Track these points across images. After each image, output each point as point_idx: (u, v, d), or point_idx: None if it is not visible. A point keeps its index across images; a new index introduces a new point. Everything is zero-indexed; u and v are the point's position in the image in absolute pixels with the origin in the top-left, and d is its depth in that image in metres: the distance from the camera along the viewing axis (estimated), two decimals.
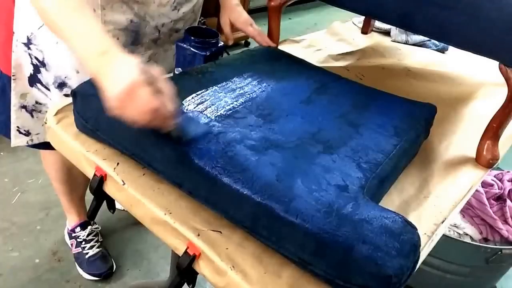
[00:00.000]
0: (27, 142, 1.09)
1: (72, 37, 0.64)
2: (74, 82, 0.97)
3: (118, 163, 0.70)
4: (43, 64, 0.97)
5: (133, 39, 0.96)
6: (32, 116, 1.05)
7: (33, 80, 1.00)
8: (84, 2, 0.66)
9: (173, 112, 0.59)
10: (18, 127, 1.06)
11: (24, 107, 1.04)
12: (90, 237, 1.45)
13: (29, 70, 0.99)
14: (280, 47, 1.15)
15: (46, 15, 0.66)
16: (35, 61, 0.97)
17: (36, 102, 1.04)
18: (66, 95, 0.99)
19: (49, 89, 1.00)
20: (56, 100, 1.00)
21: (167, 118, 0.59)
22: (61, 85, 0.98)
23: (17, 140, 1.08)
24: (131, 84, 0.56)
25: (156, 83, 0.58)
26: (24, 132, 1.07)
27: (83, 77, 0.96)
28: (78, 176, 1.31)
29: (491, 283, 1.55)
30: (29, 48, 0.96)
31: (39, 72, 0.98)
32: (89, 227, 1.46)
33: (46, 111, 1.03)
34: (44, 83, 1.00)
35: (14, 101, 1.02)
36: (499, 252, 1.32)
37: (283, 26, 1.13)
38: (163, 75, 0.60)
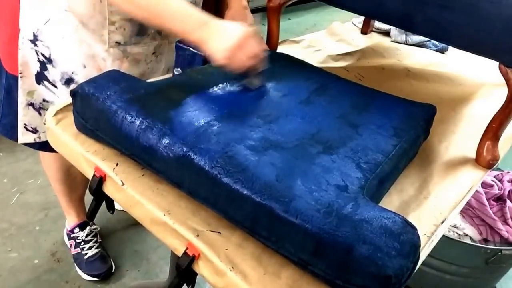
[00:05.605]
0: (34, 139, 1.09)
1: (166, 18, 0.76)
2: (81, 77, 0.98)
3: (117, 164, 0.70)
4: (49, 60, 0.97)
5: (139, 29, 0.97)
6: (40, 114, 1.06)
7: (40, 77, 1.00)
8: None
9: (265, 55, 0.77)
10: (25, 124, 1.06)
11: (31, 104, 1.04)
12: (89, 238, 1.45)
13: (36, 67, 0.99)
14: (280, 48, 1.15)
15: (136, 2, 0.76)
16: (41, 58, 0.97)
17: (44, 100, 1.04)
18: None
19: (56, 86, 1.00)
20: (63, 97, 1.00)
21: (262, 60, 0.77)
22: (68, 81, 0.99)
23: (24, 137, 1.08)
24: (244, 35, 0.72)
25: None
26: (31, 129, 1.08)
27: (90, 71, 0.98)
28: (77, 176, 1.31)
29: (491, 284, 1.55)
30: (35, 45, 0.96)
31: (46, 69, 0.99)
32: (88, 227, 1.46)
33: None
34: (51, 80, 1.00)
35: (22, 99, 1.03)
36: (499, 253, 1.32)
37: (283, 26, 1.13)
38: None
